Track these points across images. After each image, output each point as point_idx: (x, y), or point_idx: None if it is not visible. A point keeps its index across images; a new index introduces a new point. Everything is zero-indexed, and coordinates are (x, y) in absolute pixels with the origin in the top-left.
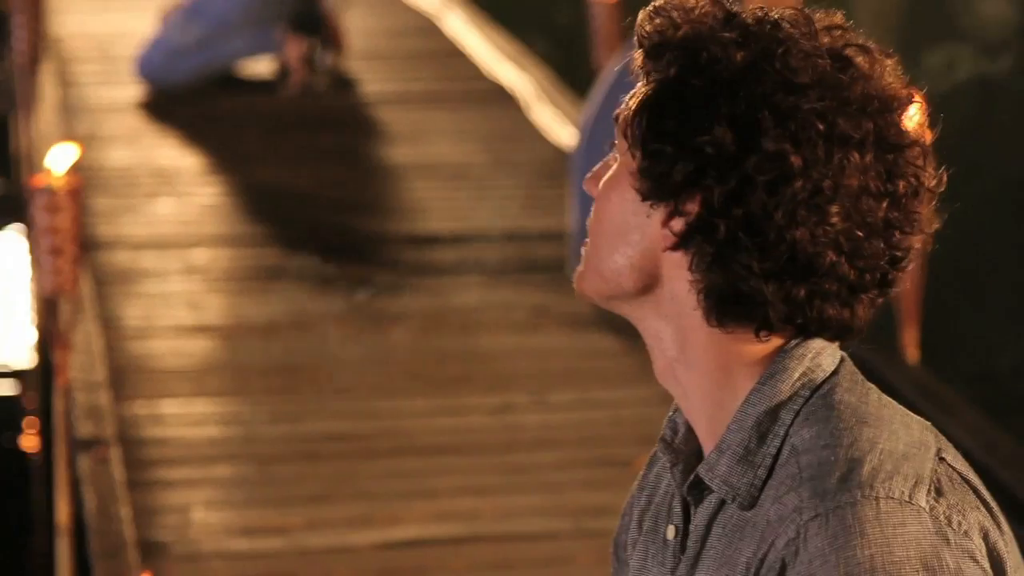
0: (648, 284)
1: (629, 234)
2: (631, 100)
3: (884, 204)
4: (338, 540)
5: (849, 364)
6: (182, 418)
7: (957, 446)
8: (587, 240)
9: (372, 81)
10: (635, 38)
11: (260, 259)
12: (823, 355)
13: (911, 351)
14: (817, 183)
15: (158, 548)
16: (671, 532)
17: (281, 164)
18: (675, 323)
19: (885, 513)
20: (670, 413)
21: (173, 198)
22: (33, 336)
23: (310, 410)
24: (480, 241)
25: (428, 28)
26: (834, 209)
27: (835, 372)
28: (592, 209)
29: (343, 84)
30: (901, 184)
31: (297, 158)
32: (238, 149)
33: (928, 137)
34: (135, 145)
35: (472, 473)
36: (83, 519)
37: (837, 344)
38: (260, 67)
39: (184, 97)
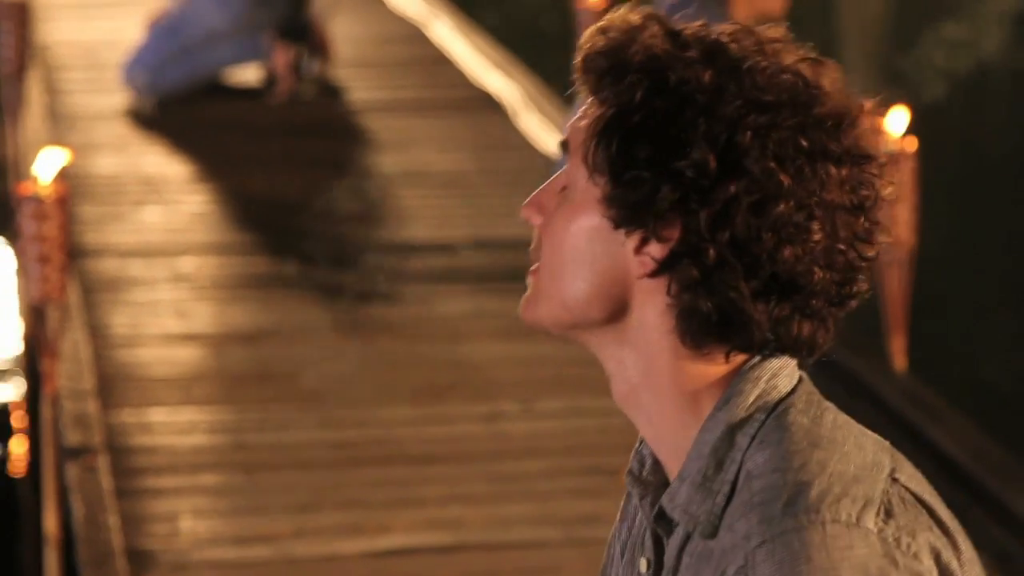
0: (615, 311)
1: (595, 262)
2: (586, 124)
3: (856, 217)
4: (326, 549)
5: (807, 384)
6: (170, 426)
7: (944, 454)
8: (536, 267)
9: (359, 89)
10: (581, 61)
11: (248, 267)
12: (780, 375)
13: (898, 358)
14: (802, 200)
15: (146, 557)
16: (643, 565)
17: (269, 172)
18: (641, 349)
19: (832, 537)
20: (636, 446)
21: (160, 206)
22: (20, 344)
23: (298, 418)
24: (467, 249)
25: (415, 35)
26: (815, 226)
27: (791, 392)
28: (543, 236)
29: (330, 92)
30: (866, 195)
31: (285, 166)
32: (225, 157)
33: (879, 147)
34: (122, 153)
35: (460, 482)
36: (71, 528)
37: (795, 364)
38: (247, 75)
39: (171, 105)
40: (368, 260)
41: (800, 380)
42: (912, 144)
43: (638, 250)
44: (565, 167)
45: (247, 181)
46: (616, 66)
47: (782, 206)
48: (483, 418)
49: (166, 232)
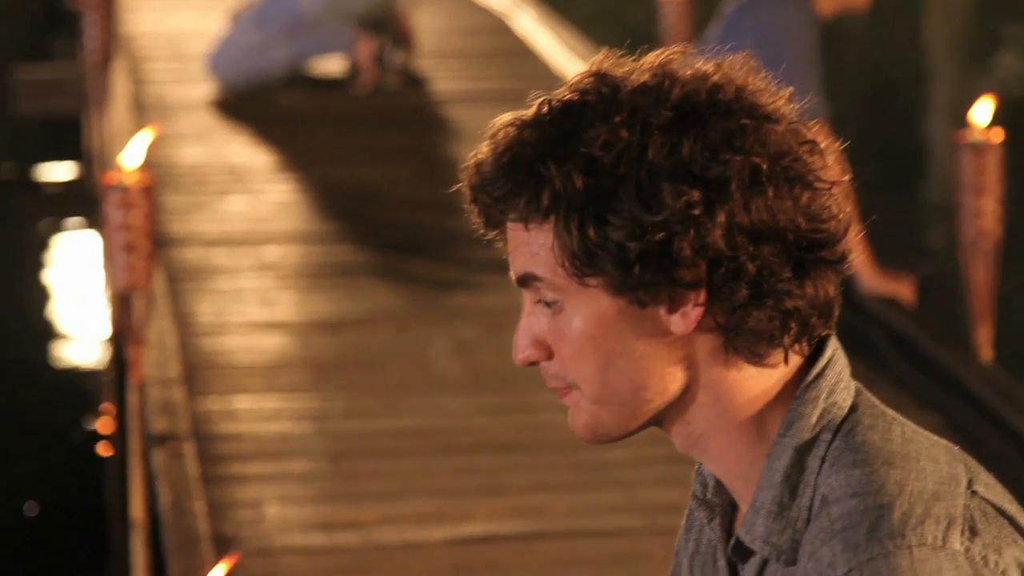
0: (675, 382)
1: (635, 351)
2: (543, 248)
3: (812, 155)
4: (410, 535)
5: (866, 396)
6: (255, 413)
7: None
8: (567, 389)
9: (442, 79)
10: (484, 197)
11: (332, 256)
12: (837, 391)
13: (984, 349)
14: (779, 162)
15: (232, 543)
16: None
17: (352, 162)
18: (702, 399)
19: (919, 561)
20: (697, 467)
21: (245, 195)
22: (107, 332)
23: (382, 406)
24: None
25: (498, 26)
26: (798, 188)
27: (853, 408)
28: (565, 367)
29: (413, 82)
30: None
31: (367, 156)
32: (309, 147)
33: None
34: (207, 142)
35: (544, 470)
36: (158, 514)
37: (848, 376)
38: (331, 66)
39: (255, 95)
40: (451, 249)
41: (858, 392)
42: (998, 135)
43: (672, 310)
44: (529, 304)
45: (330, 171)
46: (533, 177)
47: (769, 177)
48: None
49: (250, 221)
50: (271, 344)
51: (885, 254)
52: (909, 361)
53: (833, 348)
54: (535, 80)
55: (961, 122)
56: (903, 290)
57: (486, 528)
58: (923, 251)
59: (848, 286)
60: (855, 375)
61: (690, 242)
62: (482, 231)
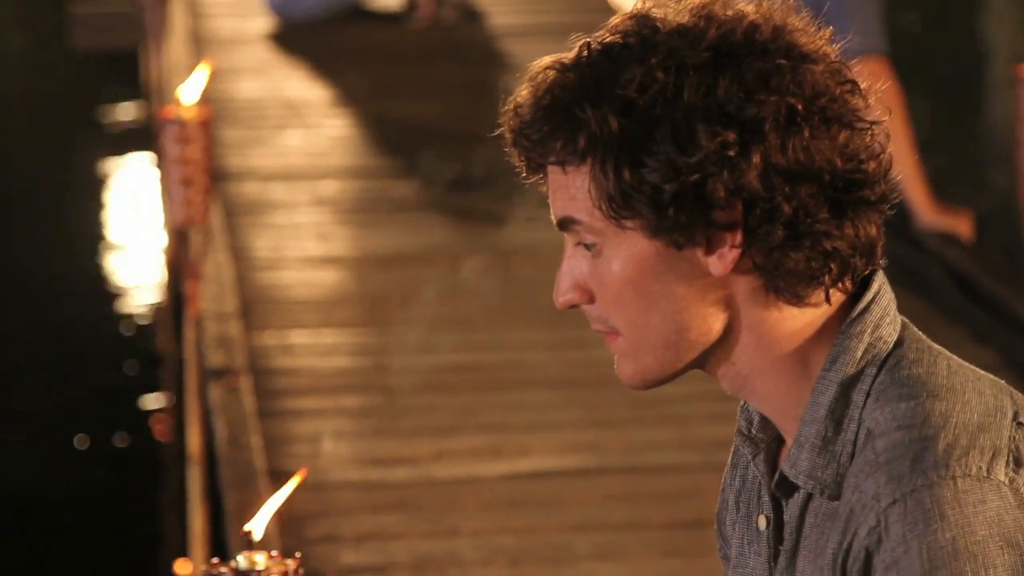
0: (715, 323)
1: (674, 293)
2: (582, 190)
3: (853, 96)
4: (466, 471)
5: (912, 331)
6: (311, 348)
7: None
8: (611, 333)
9: (500, 13)
10: (525, 140)
11: (388, 191)
12: (882, 326)
13: None
14: (815, 103)
15: (288, 477)
16: (762, 523)
17: (408, 96)
18: (744, 340)
19: (963, 492)
20: (742, 403)
21: (302, 130)
22: (164, 267)
23: (437, 342)
24: None
25: None
26: (835, 128)
27: (899, 342)
28: (606, 310)
29: (471, 16)
30: (848, 74)
31: (424, 90)
32: (366, 81)
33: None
34: (264, 77)
35: (599, 406)
36: (214, 448)
37: (894, 310)
38: (388, 0)
39: (312, 29)
40: (508, 184)
41: (904, 327)
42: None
43: (709, 251)
44: (570, 247)
45: (387, 105)
46: (570, 120)
47: (804, 117)
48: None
49: (307, 156)
50: (327, 279)
51: (943, 190)
52: (966, 297)
53: (879, 283)
54: (593, 14)
55: (1020, 56)
56: (961, 226)
57: (541, 464)
58: (982, 186)
59: (905, 222)
60: (911, 311)
61: (725, 183)
62: (524, 175)
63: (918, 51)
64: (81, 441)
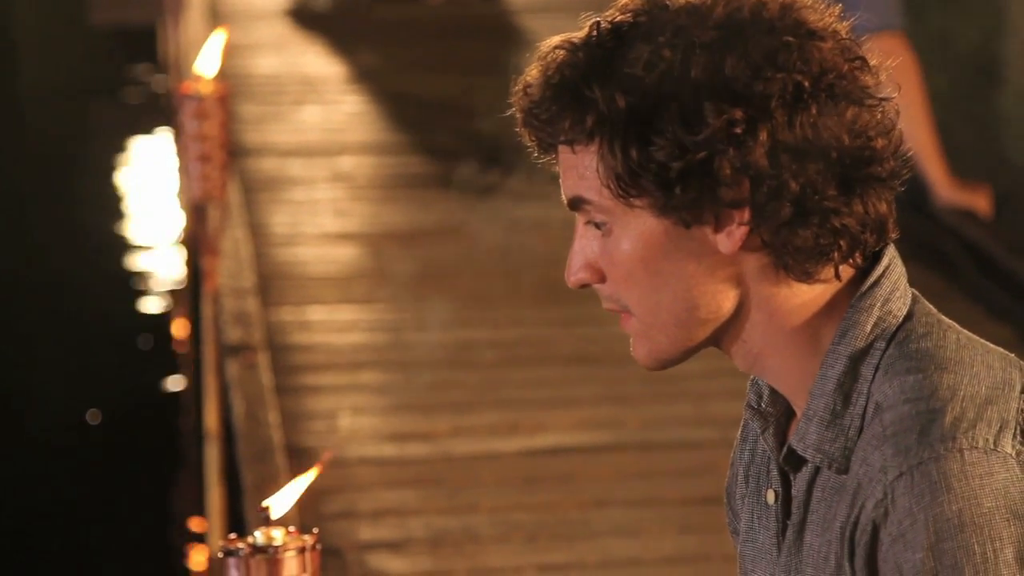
0: (726, 301)
1: (684, 271)
2: (590, 169)
3: (863, 72)
4: (483, 447)
5: (922, 305)
6: (329, 324)
7: None
8: (625, 314)
9: None
10: (534, 118)
11: (406, 167)
12: (892, 300)
13: None
14: (823, 80)
15: (305, 454)
16: (771, 497)
17: (427, 72)
18: (755, 318)
19: (970, 464)
20: (752, 376)
21: (320, 106)
22: (181, 242)
23: (454, 318)
24: None
25: None
26: (843, 105)
27: (909, 316)
28: (618, 289)
29: None
30: (858, 51)
31: (443, 66)
32: (384, 57)
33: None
34: (282, 52)
35: (616, 382)
36: (231, 424)
37: (904, 284)
38: None
39: (331, 5)
40: (525, 160)
41: (915, 301)
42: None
43: (718, 229)
44: (581, 226)
45: (405, 81)
46: (578, 99)
47: (811, 94)
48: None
49: (325, 132)
50: (345, 255)
51: (961, 166)
52: (983, 273)
53: (889, 257)
54: None
55: None
56: (979, 202)
57: (558, 440)
58: (1000, 163)
59: (923, 198)
60: (928, 287)
61: (731, 160)
62: (536, 154)
63: (936, 27)
64: (93, 416)
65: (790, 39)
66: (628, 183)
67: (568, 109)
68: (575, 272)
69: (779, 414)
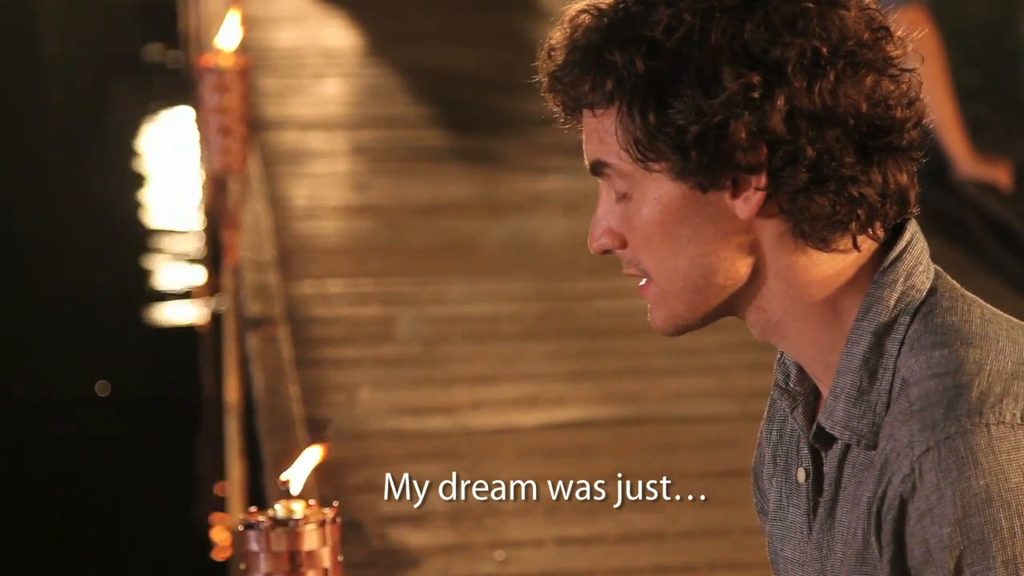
0: (743, 268)
1: (702, 236)
2: (610, 133)
3: (886, 42)
4: (503, 420)
5: (945, 279)
6: (349, 297)
7: None
8: (645, 282)
9: None
10: (558, 82)
11: (426, 140)
12: (915, 274)
13: None
14: (842, 47)
15: (325, 426)
16: (801, 475)
17: (447, 45)
18: (773, 284)
19: (997, 439)
20: (779, 356)
21: (340, 79)
22: (202, 215)
23: (475, 291)
24: None
25: None
26: (863, 73)
27: (932, 291)
28: (637, 254)
29: None
30: (882, 22)
31: (463, 39)
32: (404, 30)
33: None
34: (302, 25)
35: (637, 355)
36: (252, 397)
37: (927, 259)
38: None
39: None
40: (545, 133)
41: (937, 275)
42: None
43: (735, 195)
44: (603, 192)
45: (425, 54)
46: (599, 63)
47: (829, 61)
48: None
49: (345, 105)
50: (365, 228)
51: (983, 139)
52: (1004, 246)
53: (912, 231)
54: None
55: None
56: (1000, 175)
57: (578, 413)
58: (1021, 136)
59: (944, 170)
60: (949, 261)
61: (748, 125)
62: (561, 120)
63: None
64: (102, 388)
65: (810, 5)
66: (646, 147)
67: (589, 72)
68: (597, 238)
69: (807, 392)
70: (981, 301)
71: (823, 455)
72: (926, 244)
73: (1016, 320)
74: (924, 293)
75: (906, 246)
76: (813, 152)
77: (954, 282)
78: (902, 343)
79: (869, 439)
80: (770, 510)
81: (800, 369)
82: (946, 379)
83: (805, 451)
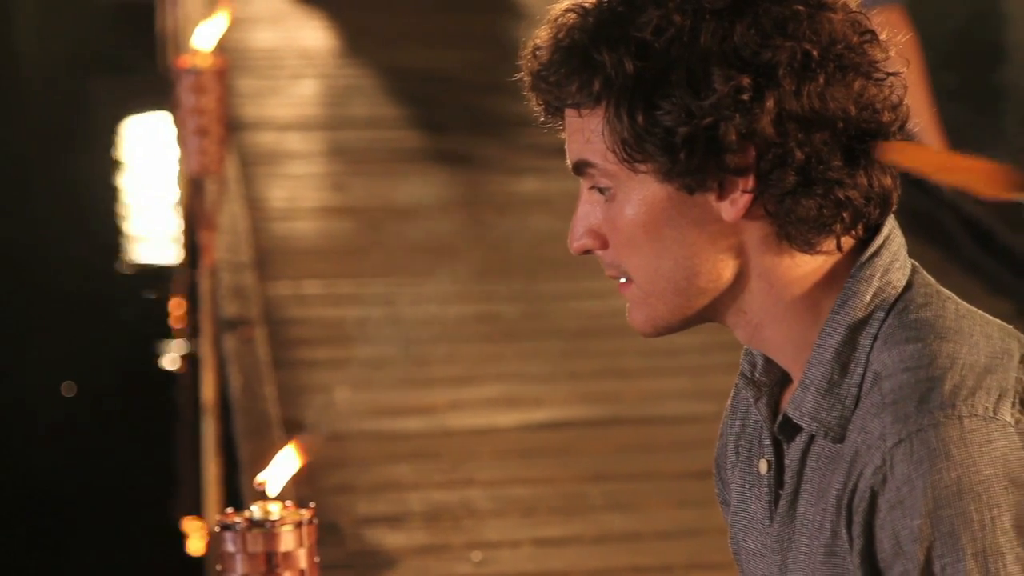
0: (726, 271)
1: (686, 238)
2: (596, 133)
3: (871, 45)
4: (481, 421)
5: (921, 275)
6: (326, 299)
7: None
8: (626, 282)
9: None
10: (542, 82)
11: (404, 141)
12: (891, 271)
13: None
14: (831, 50)
15: (302, 427)
16: (763, 467)
17: (425, 46)
18: (755, 288)
19: (969, 432)
20: (746, 346)
21: (317, 79)
22: (179, 216)
23: (452, 292)
24: None
25: None
26: (851, 76)
27: (908, 287)
28: (619, 255)
29: None
30: (867, 27)
31: (441, 40)
32: (382, 31)
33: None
34: (280, 26)
35: (615, 356)
36: (228, 398)
37: (904, 255)
38: None
39: None
40: (524, 134)
41: (914, 271)
42: None
43: (721, 197)
44: (585, 191)
45: (403, 55)
46: (587, 63)
47: (819, 64)
48: None
49: (323, 106)
50: (342, 229)
51: (961, 141)
52: (982, 247)
53: (889, 228)
54: None
55: None
56: None
57: (556, 414)
58: (1000, 138)
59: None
60: (927, 261)
61: (737, 127)
62: (542, 118)
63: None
64: (68, 388)
65: (800, 8)
66: (633, 148)
67: (576, 72)
68: (578, 238)
69: (772, 383)
70: (956, 297)
71: (786, 447)
72: (903, 240)
73: (990, 316)
74: (900, 289)
75: (884, 242)
76: (801, 155)
77: (930, 278)
78: (875, 338)
79: (836, 432)
80: (732, 501)
81: (767, 360)
82: (919, 372)
83: (768, 443)
